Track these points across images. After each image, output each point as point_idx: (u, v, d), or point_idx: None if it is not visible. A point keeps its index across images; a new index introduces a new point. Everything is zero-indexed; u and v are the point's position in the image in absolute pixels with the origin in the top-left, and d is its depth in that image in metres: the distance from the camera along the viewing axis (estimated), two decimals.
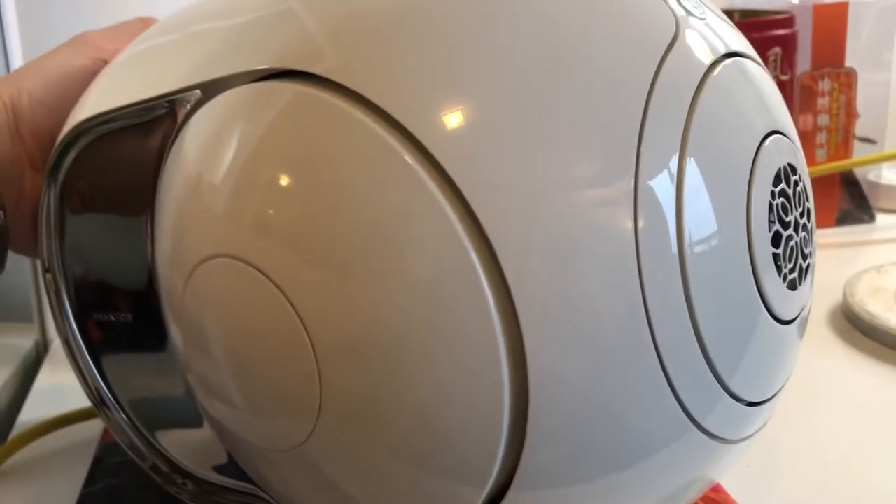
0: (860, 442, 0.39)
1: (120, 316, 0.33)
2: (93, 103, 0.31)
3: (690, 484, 0.26)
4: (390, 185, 0.22)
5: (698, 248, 0.22)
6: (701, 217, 0.22)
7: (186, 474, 0.34)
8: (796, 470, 0.37)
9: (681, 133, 0.23)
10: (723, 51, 0.25)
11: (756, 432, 0.27)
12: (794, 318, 0.25)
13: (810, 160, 0.68)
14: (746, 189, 0.23)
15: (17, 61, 0.56)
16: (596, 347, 0.21)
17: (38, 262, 0.35)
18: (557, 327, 0.21)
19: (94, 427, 0.43)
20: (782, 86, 0.57)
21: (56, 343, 0.57)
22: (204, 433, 0.35)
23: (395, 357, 0.22)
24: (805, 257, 0.26)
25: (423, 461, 0.22)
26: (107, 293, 0.34)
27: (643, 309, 0.22)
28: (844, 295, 0.52)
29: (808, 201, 0.26)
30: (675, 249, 0.22)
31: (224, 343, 0.24)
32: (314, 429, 0.23)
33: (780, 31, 0.57)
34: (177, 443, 0.34)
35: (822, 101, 0.67)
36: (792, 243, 0.25)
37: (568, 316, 0.21)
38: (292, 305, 0.22)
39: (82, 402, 0.39)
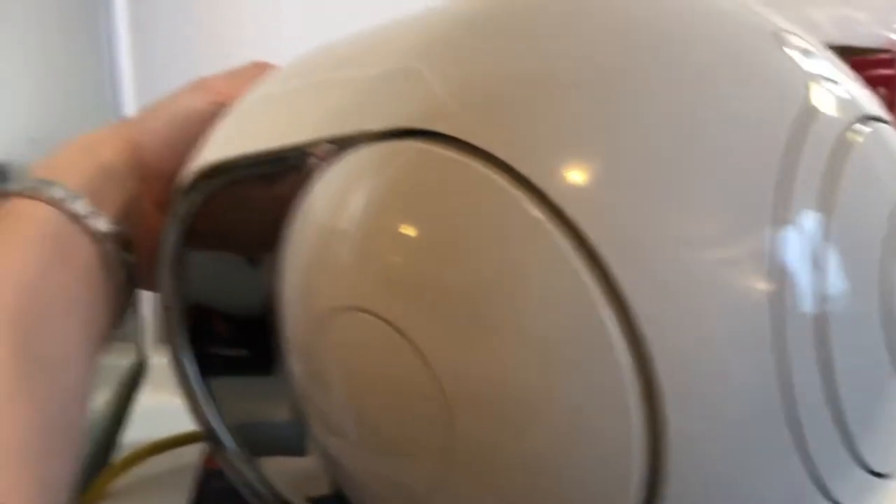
0: None
1: (232, 350, 0.34)
2: (218, 147, 0.32)
3: None
4: (517, 239, 0.22)
5: (835, 311, 0.22)
6: (838, 281, 0.22)
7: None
8: None
9: (817, 196, 0.22)
10: (859, 114, 0.25)
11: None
12: None
13: None
14: (880, 254, 0.23)
15: (129, 103, 0.58)
16: (731, 417, 0.21)
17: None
18: (694, 394, 0.21)
19: (197, 450, 0.44)
20: None
21: (155, 362, 0.59)
22: (307, 462, 0.35)
23: (524, 413, 0.22)
24: None
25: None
26: (219, 322, 0.35)
27: (777, 374, 0.21)
28: None
29: None
30: (812, 311, 0.22)
31: (355, 390, 0.25)
32: (441, 477, 0.24)
33: (884, 71, 0.56)
34: (278, 470, 0.35)
35: None
36: None
37: (704, 382, 0.21)
38: (424, 358, 0.23)
39: (182, 422, 0.40)
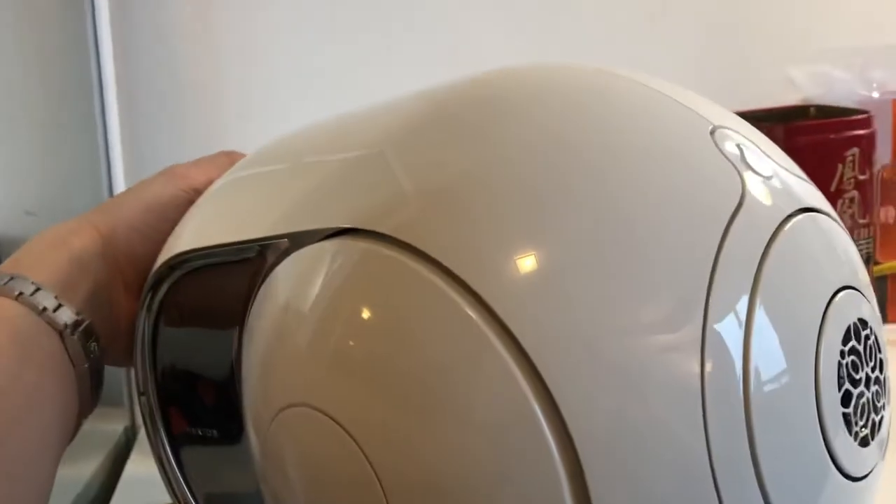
0: None
1: (207, 431, 0.35)
2: (187, 237, 0.33)
3: None
4: (452, 336, 0.23)
5: (764, 399, 0.22)
6: (768, 368, 0.23)
7: None
8: None
9: (750, 285, 0.23)
10: (796, 206, 0.25)
11: None
12: (867, 473, 0.25)
13: (892, 253, 0.67)
14: (815, 347, 0.24)
15: (119, 178, 0.60)
16: (659, 498, 0.22)
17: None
18: (622, 477, 0.22)
19: None
20: (861, 185, 0.57)
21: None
22: None
23: (461, 499, 0.22)
24: (878, 410, 0.25)
25: None
26: (193, 392, 0.36)
27: (707, 458, 0.22)
28: None
29: (880, 352, 0.26)
30: (741, 396, 0.22)
31: (301, 485, 0.25)
32: None
33: (859, 132, 0.56)
34: None
35: None
36: (863, 400, 0.25)
37: (633, 465, 0.22)
38: (363, 451, 0.23)
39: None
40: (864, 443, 0.25)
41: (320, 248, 0.26)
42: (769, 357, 0.23)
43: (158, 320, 0.34)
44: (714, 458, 0.22)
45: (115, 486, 0.52)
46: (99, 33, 0.59)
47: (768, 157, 0.27)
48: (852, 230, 0.58)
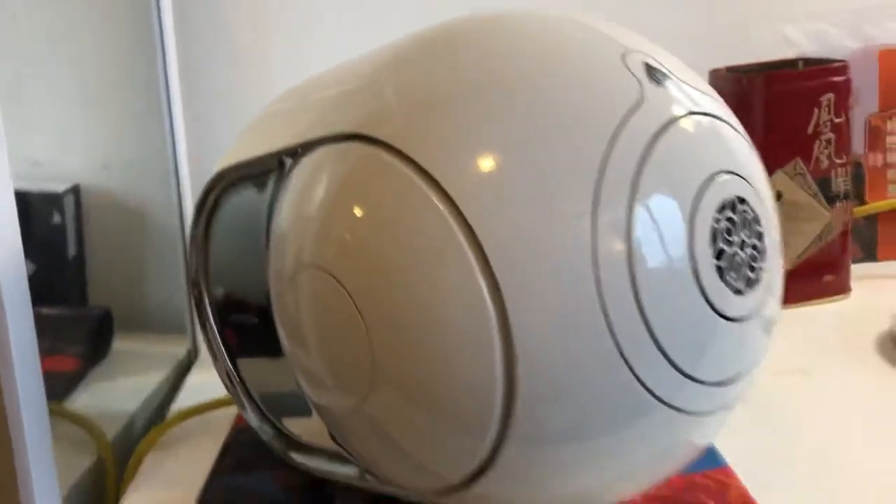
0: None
1: (248, 318, 0.44)
2: (229, 157, 0.41)
3: (677, 446, 0.33)
4: (420, 221, 0.31)
5: (645, 242, 0.30)
6: (650, 221, 0.30)
7: (295, 444, 0.44)
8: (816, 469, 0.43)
9: (638, 163, 0.30)
10: (689, 110, 0.32)
11: (732, 403, 0.33)
12: (746, 315, 0.32)
13: (881, 195, 0.72)
14: (690, 210, 0.31)
15: (181, 137, 0.69)
16: (568, 335, 0.29)
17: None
18: (537, 313, 0.29)
19: (231, 412, 0.54)
20: (837, 128, 0.63)
21: (203, 352, 0.69)
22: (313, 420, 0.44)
23: (416, 330, 0.30)
24: (754, 270, 0.32)
25: (438, 413, 0.31)
26: (240, 305, 0.45)
27: (602, 314, 0.29)
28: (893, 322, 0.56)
29: (758, 226, 0.33)
30: (626, 266, 0.30)
31: (310, 328, 0.34)
32: (370, 389, 0.32)
33: (834, 78, 0.62)
34: (292, 424, 0.44)
35: (892, 140, 0.71)
36: (737, 258, 0.32)
37: (544, 303, 0.29)
38: (352, 299, 0.31)
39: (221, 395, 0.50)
40: (739, 291, 0.32)
41: (326, 150, 0.34)
42: (650, 213, 0.30)
43: (208, 223, 0.42)
44: (602, 286, 0.29)
45: (177, 392, 0.61)
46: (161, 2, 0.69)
47: (677, 77, 0.34)
48: (829, 169, 0.63)
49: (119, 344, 0.66)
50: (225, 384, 0.45)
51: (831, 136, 0.63)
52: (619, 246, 0.30)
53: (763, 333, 0.34)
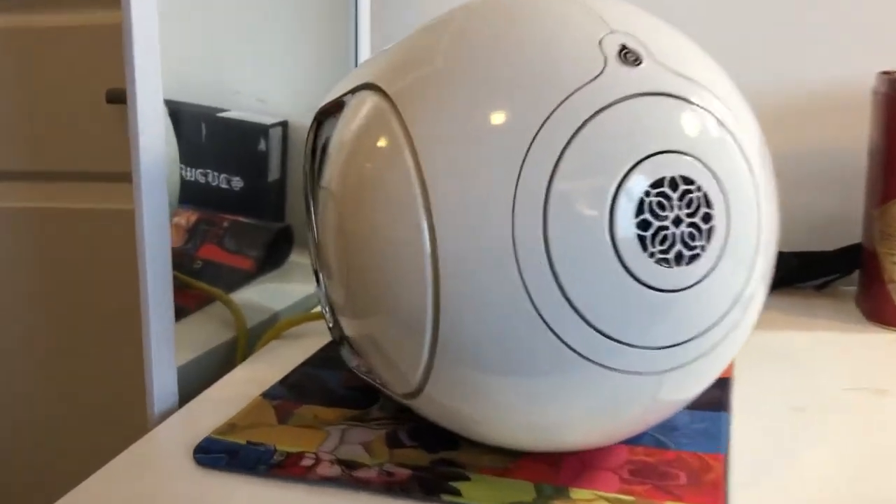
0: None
1: None
2: (329, 95, 0.50)
3: (627, 402, 0.36)
4: (383, 128, 0.37)
5: (561, 203, 0.33)
6: (570, 182, 0.33)
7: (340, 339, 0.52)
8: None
9: (573, 131, 0.34)
10: (648, 91, 0.35)
11: (682, 364, 0.36)
12: (671, 289, 0.34)
13: None
14: (617, 185, 0.33)
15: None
16: (485, 276, 0.34)
17: None
18: (461, 246, 0.34)
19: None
20: None
21: None
22: None
23: (371, 250, 0.37)
24: (691, 248, 0.34)
25: (387, 314, 0.37)
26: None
27: (515, 264, 0.33)
28: None
29: (708, 208, 0.34)
30: (541, 221, 0.33)
31: (326, 243, 0.41)
32: (347, 297, 0.39)
33: None
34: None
35: None
36: (666, 233, 0.34)
37: (468, 238, 0.34)
38: (339, 213, 0.38)
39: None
40: (663, 263, 0.34)
41: (359, 96, 0.41)
42: (572, 175, 0.33)
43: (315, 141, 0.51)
44: (516, 230, 0.33)
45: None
46: None
47: (664, 63, 0.36)
48: None
49: (296, 257, 0.78)
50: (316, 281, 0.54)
51: None
52: (537, 201, 0.33)
53: (699, 306, 0.35)
